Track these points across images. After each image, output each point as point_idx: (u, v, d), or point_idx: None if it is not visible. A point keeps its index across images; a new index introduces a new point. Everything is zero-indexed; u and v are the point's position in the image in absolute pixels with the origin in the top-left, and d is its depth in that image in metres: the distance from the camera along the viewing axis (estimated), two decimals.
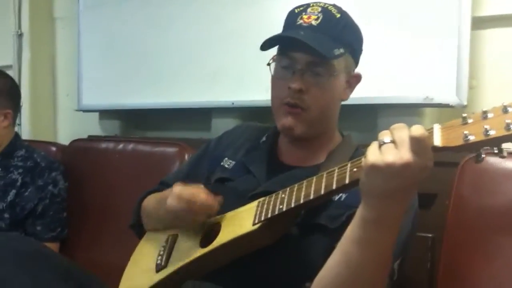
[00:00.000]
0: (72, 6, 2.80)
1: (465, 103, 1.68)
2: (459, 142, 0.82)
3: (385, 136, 0.87)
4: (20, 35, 2.98)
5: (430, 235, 1.51)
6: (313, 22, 1.22)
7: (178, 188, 1.22)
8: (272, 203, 1.12)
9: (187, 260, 1.21)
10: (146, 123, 2.71)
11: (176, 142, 2.07)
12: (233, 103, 2.17)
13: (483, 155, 0.84)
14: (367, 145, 0.90)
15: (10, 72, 2.36)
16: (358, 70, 1.32)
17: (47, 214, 2.04)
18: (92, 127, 2.79)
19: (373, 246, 0.94)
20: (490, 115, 0.80)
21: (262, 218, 1.12)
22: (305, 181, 1.08)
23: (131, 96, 2.52)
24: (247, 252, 1.15)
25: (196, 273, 1.21)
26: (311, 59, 1.21)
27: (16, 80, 2.65)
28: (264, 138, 1.40)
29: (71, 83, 2.85)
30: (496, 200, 1.39)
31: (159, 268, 1.28)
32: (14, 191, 2.02)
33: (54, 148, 2.42)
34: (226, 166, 1.39)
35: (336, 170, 1.00)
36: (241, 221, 1.16)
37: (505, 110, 0.78)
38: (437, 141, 0.84)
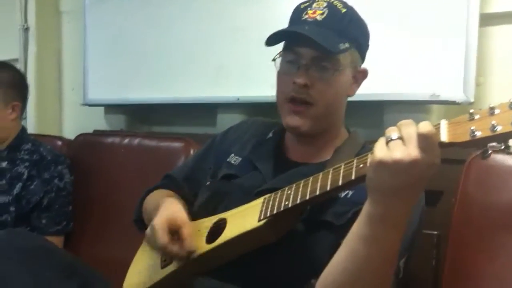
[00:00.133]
0: (78, 0, 2.80)
1: (472, 100, 1.67)
2: (466, 138, 0.81)
3: (392, 132, 0.87)
4: (26, 29, 2.99)
5: (435, 232, 1.50)
6: (318, 17, 1.22)
7: (159, 225, 1.21)
8: (277, 199, 1.11)
9: (192, 256, 1.21)
10: (151, 118, 2.72)
11: (182, 137, 2.07)
12: (238, 99, 2.17)
13: (489, 151, 0.84)
14: (373, 142, 0.90)
15: (16, 66, 2.36)
16: (365, 66, 1.32)
17: (52, 208, 2.04)
18: (97, 121, 2.80)
19: (379, 243, 0.94)
20: (497, 111, 0.79)
21: (268, 215, 1.11)
22: (311, 177, 1.07)
23: (137, 91, 2.52)
24: (252, 248, 1.15)
25: (201, 269, 1.21)
26: (316, 54, 1.20)
27: None
28: (270, 134, 1.40)
29: (76, 77, 2.86)
30: (502, 197, 1.38)
31: (164, 264, 1.29)
32: (20, 184, 2.02)
33: (59, 142, 2.43)
34: (233, 162, 1.38)
35: (342, 166, 1.00)
36: (247, 218, 1.16)
37: None
38: (444, 136, 0.84)
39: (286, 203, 1.09)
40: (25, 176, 2.04)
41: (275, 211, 1.10)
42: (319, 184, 1.04)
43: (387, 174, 0.86)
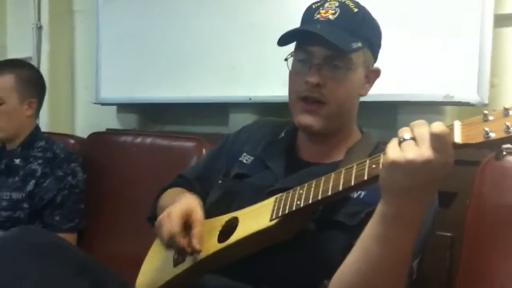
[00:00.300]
0: None
1: (486, 101, 1.65)
2: (480, 139, 0.81)
3: (405, 132, 0.87)
4: (39, 28, 3.01)
5: (449, 234, 1.50)
6: (331, 17, 1.22)
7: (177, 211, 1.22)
8: (289, 199, 1.11)
9: (204, 255, 1.21)
10: (163, 117, 2.72)
11: (194, 137, 2.07)
12: (250, 98, 2.17)
13: (504, 153, 0.83)
14: (386, 143, 0.90)
15: None
16: (379, 66, 1.31)
17: (65, 205, 2.06)
18: (109, 120, 2.81)
19: (392, 243, 0.94)
20: (511, 112, 0.79)
21: (280, 214, 1.11)
22: (323, 177, 1.07)
23: (149, 90, 2.53)
24: (264, 247, 1.15)
25: (213, 268, 1.21)
26: (328, 53, 1.20)
27: None
28: (282, 134, 1.40)
29: (89, 76, 2.87)
30: None
31: (176, 263, 1.29)
32: (33, 181, 2.04)
33: (72, 141, 2.44)
34: (244, 161, 1.38)
35: (355, 167, 1.00)
36: (259, 217, 1.16)
37: None
38: (458, 137, 0.84)
39: (298, 202, 1.09)
40: (38, 173, 2.05)
41: (287, 211, 1.10)
42: (331, 184, 1.04)
43: (400, 175, 0.86)
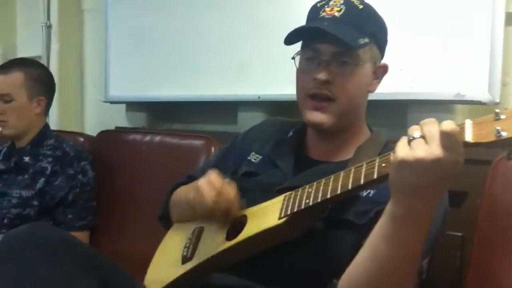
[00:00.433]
0: None
1: (497, 100, 1.64)
2: (491, 138, 0.80)
3: (414, 131, 0.87)
4: (49, 27, 3.02)
5: (459, 234, 1.49)
6: (336, 14, 1.22)
7: (213, 175, 1.23)
8: (298, 197, 1.11)
9: (212, 253, 1.21)
10: (172, 115, 2.72)
11: (203, 135, 2.07)
12: (259, 97, 2.17)
13: None
14: (396, 142, 0.89)
15: None
16: (389, 64, 1.31)
17: (77, 203, 2.06)
18: (118, 118, 2.82)
19: (402, 243, 0.93)
20: None
21: (288, 213, 1.11)
22: (332, 176, 1.07)
23: (158, 88, 2.53)
24: (272, 246, 1.14)
25: (221, 266, 1.21)
26: (336, 49, 1.20)
27: None
28: (291, 133, 1.39)
29: (98, 74, 2.88)
30: None
31: (185, 260, 1.29)
32: (43, 179, 2.05)
33: (81, 139, 2.44)
34: (253, 160, 1.38)
35: (364, 165, 0.99)
36: (267, 215, 1.16)
37: None
38: (469, 136, 0.83)
39: (307, 201, 1.08)
40: (48, 172, 2.06)
41: (295, 209, 1.10)
42: (340, 183, 1.03)
43: (409, 173, 0.86)
